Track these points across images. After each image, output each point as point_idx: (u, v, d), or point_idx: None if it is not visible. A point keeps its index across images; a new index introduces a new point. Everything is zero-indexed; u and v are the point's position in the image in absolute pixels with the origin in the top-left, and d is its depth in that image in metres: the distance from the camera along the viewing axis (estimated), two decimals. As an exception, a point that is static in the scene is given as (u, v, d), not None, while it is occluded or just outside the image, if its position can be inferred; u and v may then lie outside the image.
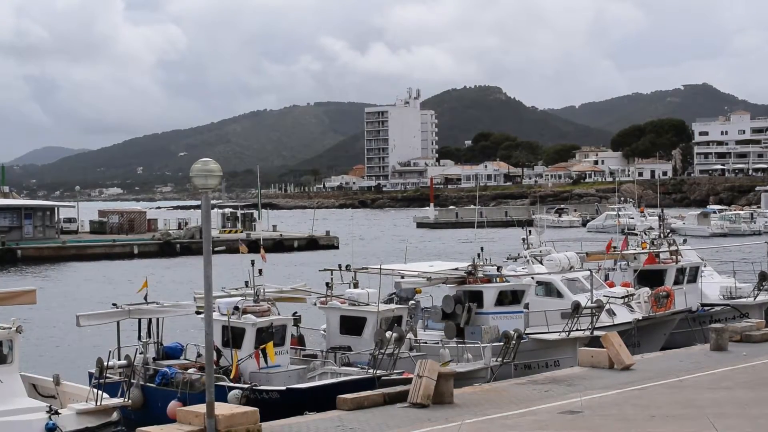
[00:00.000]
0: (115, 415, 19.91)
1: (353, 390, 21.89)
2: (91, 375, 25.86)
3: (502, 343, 26.04)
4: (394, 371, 24.14)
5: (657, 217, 47.09)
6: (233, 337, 24.94)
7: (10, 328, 20.02)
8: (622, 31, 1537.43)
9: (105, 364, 20.69)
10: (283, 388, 23.67)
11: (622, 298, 32.85)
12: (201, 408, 16.82)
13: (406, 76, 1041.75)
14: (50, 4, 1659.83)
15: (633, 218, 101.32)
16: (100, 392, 19.71)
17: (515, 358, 25.86)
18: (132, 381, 22.45)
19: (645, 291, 33.85)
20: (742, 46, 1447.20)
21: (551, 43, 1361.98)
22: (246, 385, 23.84)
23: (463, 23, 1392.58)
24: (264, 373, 24.60)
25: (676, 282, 36.20)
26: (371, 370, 24.00)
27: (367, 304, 27.80)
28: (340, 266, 30.92)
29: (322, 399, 22.04)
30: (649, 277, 36.34)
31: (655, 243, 38.41)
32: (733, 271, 39.52)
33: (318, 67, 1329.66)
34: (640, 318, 32.32)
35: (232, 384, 23.94)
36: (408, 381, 22.47)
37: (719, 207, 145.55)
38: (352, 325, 27.67)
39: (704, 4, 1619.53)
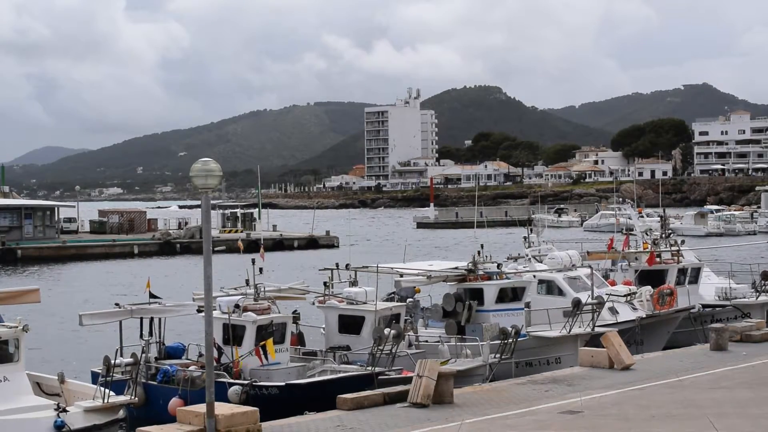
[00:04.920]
0: (121, 413, 19.99)
1: (352, 386, 21.98)
2: (93, 374, 25.97)
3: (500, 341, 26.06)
4: (393, 368, 24.22)
5: (659, 217, 47.11)
6: (234, 334, 25.07)
7: (17, 327, 20.08)
8: (629, 30, 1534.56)
9: (112, 362, 20.79)
10: (283, 383, 23.79)
11: (625, 296, 32.81)
12: (201, 408, 16.82)
13: (410, 75, 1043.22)
14: (50, 3, 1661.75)
15: (631, 218, 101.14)
16: (107, 390, 19.78)
17: (513, 354, 25.85)
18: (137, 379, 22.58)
19: (647, 289, 33.82)
20: (749, 45, 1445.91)
21: (558, 42, 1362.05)
22: (246, 381, 23.96)
23: (469, 21, 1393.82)
24: (264, 369, 24.75)
25: (678, 282, 36.18)
26: (369, 368, 24.06)
27: (365, 303, 27.84)
28: (337, 265, 30.92)
29: (320, 395, 22.13)
30: (651, 277, 36.30)
31: (657, 243, 38.40)
32: (729, 271, 39.50)
33: (321, 65, 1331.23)
34: (644, 316, 32.28)
35: (232, 380, 24.09)
36: (406, 380, 22.51)
37: (716, 207, 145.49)
38: (350, 324, 27.72)
39: (713, 2, 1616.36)
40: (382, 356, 24.31)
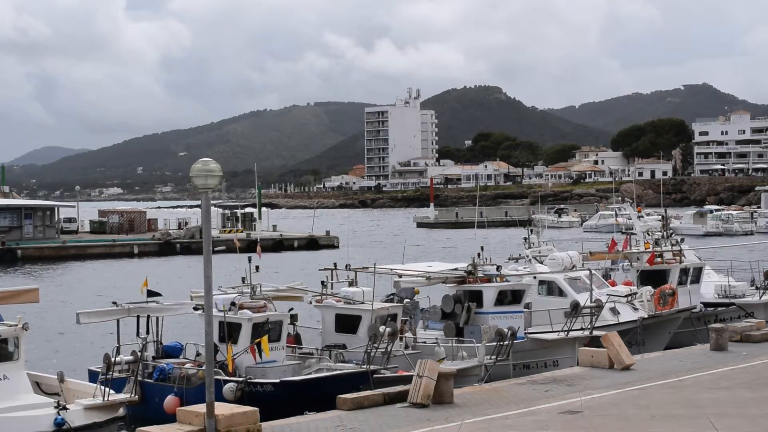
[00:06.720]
0: (121, 411, 19.99)
1: (347, 384, 22.01)
2: (90, 372, 25.95)
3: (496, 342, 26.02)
4: (388, 366, 24.22)
5: (660, 217, 47.09)
6: (229, 332, 25.08)
7: (17, 325, 20.10)
8: (631, 29, 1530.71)
9: (112, 360, 20.77)
10: (277, 380, 23.80)
11: (626, 296, 32.77)
12: (201, 408, 16.80)
13: (412, 75, 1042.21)
14: (50, 2, 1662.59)
15: (630, 219, 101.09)
16: (106, 388, 19.79)
17: (509, 356, 25.82)
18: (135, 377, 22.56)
19: (648, 290, 33.78)
20: (750, 45, 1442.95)
21: (560, 41, 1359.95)
22: (241, 379, 23.97)
23: (471, 21, 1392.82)
24: (259, 367, 24.76)
25: (680, 282, 36.10)
26: (365, 365, 24.07)
27: (362, 303, 27.85)
28: (335, 265, 30.91)
29: (315, 392, 22.14)
30: (652, 278, 36.23)
31: (658, 243, 38.35)
32: (728, 269, 39.48)
33: (323, 65, 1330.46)
34: (645, 316, 32.23)
35: (227, 378, 24.08)
36: (402, 378, 22.50)
37: (715, 207, 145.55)
38: (347, 323, 27.74)
39: (715, 1, 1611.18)
40: (378, 354, 24.31)
